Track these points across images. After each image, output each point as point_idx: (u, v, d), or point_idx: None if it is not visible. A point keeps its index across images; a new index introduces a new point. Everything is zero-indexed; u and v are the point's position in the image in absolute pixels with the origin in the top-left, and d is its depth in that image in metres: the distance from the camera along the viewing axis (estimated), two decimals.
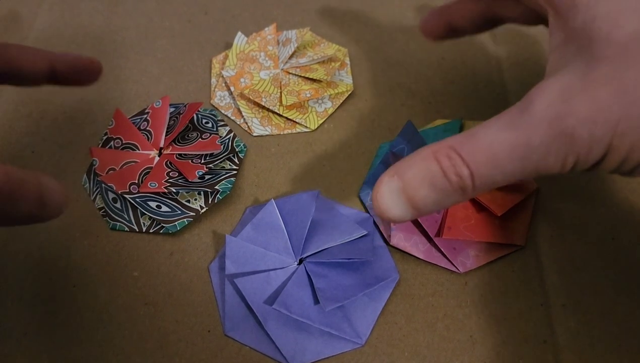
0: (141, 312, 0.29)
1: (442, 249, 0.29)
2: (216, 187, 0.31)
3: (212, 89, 0.37)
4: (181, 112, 0.34)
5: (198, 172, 0.30)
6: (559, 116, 0.18)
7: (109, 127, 0.34)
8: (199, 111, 0.35)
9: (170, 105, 0.34)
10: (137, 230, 0.31)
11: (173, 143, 0.33)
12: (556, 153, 0.18)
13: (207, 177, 0.31)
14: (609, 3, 0.19)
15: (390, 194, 0.20)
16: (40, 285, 0.30)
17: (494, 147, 0.19)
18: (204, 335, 0.28)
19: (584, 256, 0.30)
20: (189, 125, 0.34)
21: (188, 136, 0.33)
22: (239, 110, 0.36)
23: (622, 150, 0.18)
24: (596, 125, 0.18)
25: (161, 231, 0.31)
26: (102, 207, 0.32)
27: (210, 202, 0.31)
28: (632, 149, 0.18)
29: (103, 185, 0.32)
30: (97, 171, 0.31)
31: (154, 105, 0.34)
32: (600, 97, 0.18)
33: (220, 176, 0.32)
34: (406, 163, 0.20)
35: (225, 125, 0.35)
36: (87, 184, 0.33)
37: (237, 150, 0.34)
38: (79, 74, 0.28)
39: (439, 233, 0.29)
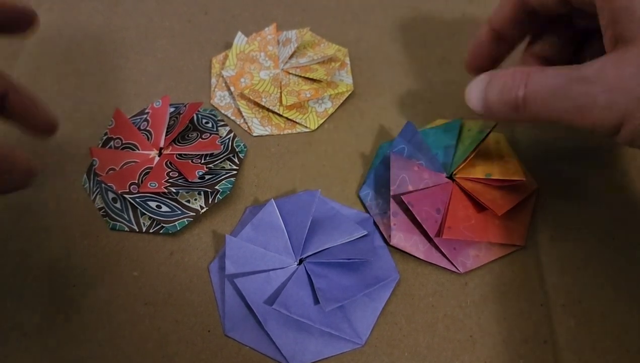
0: (141, 312, 0.29)
1: (442, 249, 0.29)
2: (216, 187, 0.31)
3: (212, 89, 0.37)
4: (181, 112, 0.34)
5: (198, 172, 0.30)
6: (590, 79, 0.21)
7: (109, 127, 0.34)
8: (199, 111, 0.35)
9: (170, 105, 0.34)
10: (137, 230, 0.31)
11: (173, 143, 0.33)
12: (583, 106, 0.22)
13: (207, 177, 0.31)
14: None
15: (477, 87, 0.26)
16: (40, 285, 0.30)
17: (547, 83, 0.22)
18: (204, 335, 0.28)
19: (584, 256, 0.30)
20: (189, 125, 0.34)
21: (188, 136, 0.33)
22: (239, 110, 0.36)
23: (635, 123, 0.21)
24: (616, 93, 0.21)
25: (161, 231, 0.31)
26: (102, 207, 0.32)
27: (210, 202, 0.31)
28: None
29: (103, 185, 0.32)
30: (97, 171, 0.31)
31: (154, 105, 0.34)
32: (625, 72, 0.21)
33: (220, 176, 0.32)
34: (497, 71, 0.25)
35: (225, 125, 0.35)
36: (87, 184, 0.33)
37: (237, 150, 0.34)
38: (11, 21, 0.27)
39: (439, 233, 0.29)
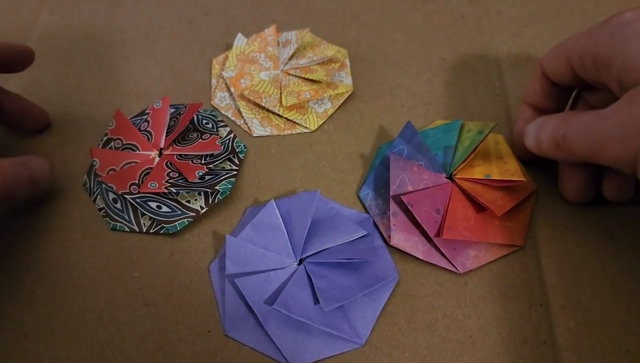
0: (141, 312, 0.29)
1: (442, 249, 0.29)
2: (216, 188, 0.31)
3: (213, 89, 0.37)
4: (181, 112, 0.34)
5: (198, 173, 0.30)
6: (607, 115, 0.24)
7: (110, 128, 0.34)
8: (199, 112, 0.35)
9: (170, 105, 0.34)
10: (137, 230, 0.31)
11: (173, 143, 0.33)
12: (602, 141, 0.24)
13: (207, 177, 0.31)
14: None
15: (534, 127, 0.28)
16: (40, 285, 0.30)
17: (581, 122, 0.25)
18: (204, 335, 0.28)
19: (584, 256, 0.30)
20: (190, 125, 0.34)
21: (188, 137, 0.33)
22: (239, 111, 0.36)
23: None
24: (629, 127, 0.22)
25: (161, 231, 0.31)
26: (103, 208, 0.32)
27: (210, 202, 0.31)
28: None
29: (103, 185, 0.32)
30: (97, 171, 0.31)
31: (155, 105, 0.34)
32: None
33: (221, 176, 0.32)
34: (552, 116, 0.28)
35: (226, 125, 0.35)
36: (88, 184, 0.33)
37: (237, 150, 0.34)
38: (10, 61, 0.31)
39: (438, 234, 0.29)
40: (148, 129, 0.33)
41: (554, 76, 0.29)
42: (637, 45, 0.23)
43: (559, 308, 0.28)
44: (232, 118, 0.36)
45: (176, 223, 0.30)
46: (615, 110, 0.23)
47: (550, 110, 0.31)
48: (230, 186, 0.31)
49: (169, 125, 0.33)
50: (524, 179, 0.29)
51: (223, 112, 0.36)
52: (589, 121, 0.24)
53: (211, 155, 0.32)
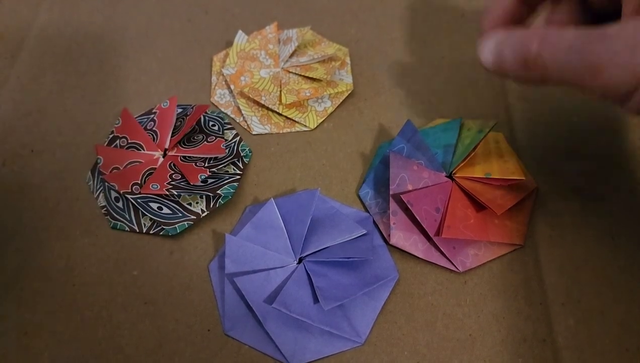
0: (141, 311, 0.29)
1: (442, 248, 0.29)
2: (218, 192, 0.31)
3: (213, 87, 0.37)
4: (188, 113, 0.34)
5: (201, 176, 0.30)
6: (609, 36, 0.20)
7: (116, 126, 0.34)
8: (206, 113, 0.35)
9: (177, 105, 0.34)
10: (138, 230, 0.31)
11: (178, 145, 0.33)
12: (597, 65, 0.20)
13: (210, 181, 0.31)
14: None
15: (492, 40, 0.24)
16: (40, 284, 0.30)
17: (561, 41, 0.21)
18: (203, 334, 0.28)
19: (583, 256, 0.30)
20: (196, 127, 0.34)
21: (194, 138, 0.33)
22: (238, 108, 0.36)
23: None
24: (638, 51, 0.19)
25: (161, 233, 0.31)
26: (104, 206, 0.32)
27: (211, 206, 0.31)
28: None
29: (106, 183, 0.32)
30: (101, 169, 0.31)
31: (162, 105, 0.34)
32: None
33: (224, 180, 0.32)
34: (515, 30, 0.24)
35: (232, 128, 0.35)
36: (91, 182, 0.33)
37: (242, 154, 0.33)
38: None
39: (438, 233, 0.29)
40: (154, 129, 0.33)
41: None
42: None
43: (559, 307, 0.28)
44: (232, 115, 0.36)
45: (176, 225, 0.30)
46: (620, 28, 0.20)
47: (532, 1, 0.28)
48: (232, 191, 0.31)
49: (174, 126, 0.33)
50: (524, 178, 0.29)
51: (223, 109, 0.36)
52: (577, 39, 0.21)
53: (215, 158, 0.32)
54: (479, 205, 0.30)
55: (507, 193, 0.30)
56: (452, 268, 0.29)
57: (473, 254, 0.30)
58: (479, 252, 0.30)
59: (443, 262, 0.29)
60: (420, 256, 0.30)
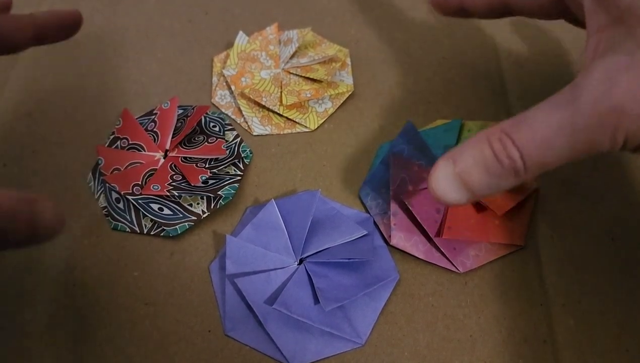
0: (141, 312, 0.29)
1: (442, 249, 0.29)
2: (219, 193, 0.31)
3: (213, 87, 0.37)
4: (189, 114, 0.34)
5: (201, 177, 0.30)
6: (606, 93, 0.18)
7: (117, 126, 0.34)
8: (207, 114, 0.35)
9: (178, 106, 0.34)
10: (138, 231, 0.31)
11: (179, 145, 0.33)
12: (605, 129, 0.19)
13: (210, 182, 0.31)
14: None
15: (446, 179, 0.21)
16: (41, 285, 0.30)
17: (543, 127, 0.19)
18: (204, 335, 0.28)
19: (584, 256, 0.30)
20: (196, 128, 0.34)
21: (194, 139, 0.33)
22: (239, 109, 0.36)
23: None
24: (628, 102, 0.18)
25: (162, 234, 0.31)
26: (105, 207, 0.32)
27: (212, 207, 0.31)
28: None
29: (107, 184, 0.32)
30: (102, 170, 0.31)
31: (162, 106, 0.34)
32: None
33: (224, 181, 0.32)
34: (460, 148, 0.21)
35: (233, 129, 0.35)
36: (92, 183, 0.33)
37: (242, 155, 0.33)
38: (61, 30, 0.29)
39: (439, 233, 0.29)
40: (155, 130, 0.33)
41: None
42: None
43: (559, 308, 0.28)
44: (232, 116, 0.36)
45: (177, 226, 0.30)
46: (592, 94, 0.18)
47: None
48: (233, 192, 0.31)
49: (175, 127, 0.33)
50: None
51: (223, 110, 0.36)
52: (561, 118, 0.19)
53: (216, 159, 0.32)
54: (479, 206, 0.30)
55: (507, 194, 0.30)
56: (453, 269, 0.29)
57: (474, 255, 0.30)
58: (480, 252, 0.30)
59: (444, 263, 0.29)
60: (420, 257, 0.30)
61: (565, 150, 0.20)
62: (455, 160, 0.21)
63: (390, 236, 0.30)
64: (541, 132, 0.19)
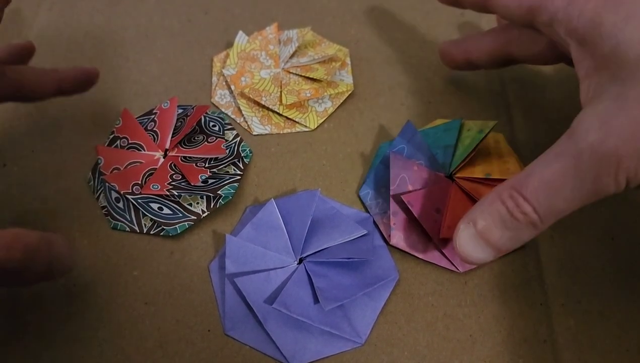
0: (141, 311, 0.29)
1: (442, 249, 0.29)
2: (218, 192, 0.31)
3: (213, 87, 0.37)
4: (189, 113, 0.34)
5: (201, 176, 0.30)
6: (600, 139, 0.19)
7: (116, 126, 0.34)
8: (206, 113, 0.35)
9: (178, 106, 0.34)
10: (138, 231, 0.31)
11: (179, 145, 0.33)
12: (606, 174, 0.20)
13: (210, 181, 0.31)
14: (633, 28, 0.20)
15: (469, 240, 0.23)
16: (40, 285, 0.30)
17: (548, 179, 0.20)
18: (204, 335, 0.28)
19: (584, 256, 0.30)
20: (196, 127, 0.34)
21: (194, 139, 0.33)
22: (239, 108, 0.36)
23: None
24: (638, 140, 0.19)
25: (161, 233, 0.31)
26: (105, 206, 0.32)
27: (212, 206, 0.31)
28: None
29: (107, 184, 0.32)
30: (101, 170, 0.31)
31: (162, 106, 0.34)
32: (638, 114, 0.19)
33: (224, 181, 0.32)
34: (477, 209, 0.23)
35: (232, 128, 0.35)
36: (92, 182, 0.33)
37: (242, 155, 0.33)
38: (81, 85, 0.32)
39: (439, 233, 0.29)
40: (154, 129, 0.33)
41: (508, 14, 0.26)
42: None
43: (559, 308, 0.28)
44: (232, 116, 0.36)
45: (177, 226, 0.30)
46: (587, 143, 0.19)
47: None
48: (232, 191, 0.31)
49: (175, 126, 0.33)
50: None
51: (223, 110, 0.36)
52: (561, 167, 0.20)
53: (216, 158, 0.32)
54: None
55: None
56: (453, 268, 0.29)
57: None
58: None
59: (443, 263, 0.29)
60: (420, 256, 0.30)
61: (574, 195, 0.20)
62: (475, 222, 0.22)
63: (390, 236, 0.30)
64: (548, 183, 0.20)
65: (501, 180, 0.29)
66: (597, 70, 0.21)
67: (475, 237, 0.22)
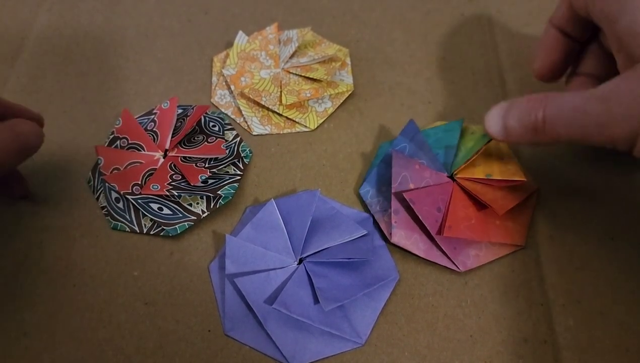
0: (141, 311, 0.29)
1: (443, 248, 0.29)
2: (218, 192, 0.31)
3: (213, 87, 0.37)
4: (188, 114, 0.34)
5: (201, 177, 0.30)
6: (606, 96, 0.23)
7: (116, 126, 0.34)
8: (206, 113, 0.35)
9: (177, 106, 0.34)
10: (138, 231, 0.31)
11: (179, 145, 0.33)
12: (628, 123, 0.22)
13: (210, 181, 0.31)
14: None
15: (496, 114, 0.27)
16: (40, 285, 0.30)
17: (565, 104, 0.24)
18: (204, 335, 0.28)
19: (584, 256, 0.30)
20: (196, 127, 0.34)
21: (194, 139, 0.33)
22: (239, 109, 0.36)
23: None
24: (630, 107, 0.22)
25: (161, 233, 0.31)
26: (105, 206, 0.32)
27: (212, 207, 0.31)
28: None
29: (107, 184, 0.32)
30: (101, 170, 0.31)
31: (162, 106, 0.34)
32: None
33: (224, 181, 0.32)
34: (516, 100, 0.26)
35: (232, 129, 0.35)
36: (92, 182, 0.33)
37: (242, 155, 0.33)
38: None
39: (439, 232, 0.29)
40: (154, 129, 0.33)
41: (576, 6, 0.28)
42: None
43: (559, 308, 0.28)
44: (232, 116, 0.36)
45: (177, 226, 0.30)
46: (613, 88, 0.23)
47: (575, 37, 0.30)
48: (232, 191, 0.31)
49: (175, 126, 0.33)
50: (525, 179, 0.29)
51: (223, 110, 0.36)
52: (578, 102, 0.23)
53: (216, 158, 0.32)
54: (480, 206, 0.30)
55: (508, 194, 0.30)
56: (453, 267, 0.29)
57: (474, 254, 0.30)
58: (480, 252, 0.30)
59: (444, 262, 0.29)
60: (421, 255, 0.30)
61: (575, 126, 0.23)
62: (506, 106, 0.27)
63: (391, 234, 0.30)
64: (562, 106, 0.24)
65: (502, 181, 0.30)
66: (619, 50, 0.25)
67: (500, 115, 0.27)
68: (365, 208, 0.32)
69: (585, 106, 0.23)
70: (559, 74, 0.31)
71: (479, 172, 0.30)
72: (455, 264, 0.29)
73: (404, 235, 0.30)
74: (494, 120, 0.27)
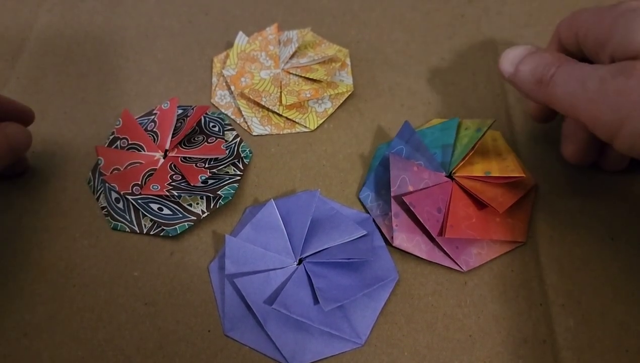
0: (141, 311, 0.29)
1: (445, 248, 0.29)
2: (218, 193, 0.31)
3: (213, 88, 0.37)
4: (188, 114, 0.34)
5: (201, 177, 0.30)
6: (604, 78, 0.23)
7: (116, 127, 0.34)
8: (206, 114, 0.35)
9: (178, 107, 0.34)
10: (138, 231, 0.31)
11: (179, 145, 0.33)
12: (592, 99, 0.23)
13: (210, 181, 0.31)
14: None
15: (516, 56, 0.27)
16: (40, 285, 0.30)
17: (575, 71, 0.24)
18: (203, 335, 0.28)
19: (584, 256, 0.30)
20: (196, 128, 0.34)
21: (194, 139, 0.33)
22: (239, 109, 0.36)
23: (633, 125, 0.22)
24: (622, 95, 0.22)
25: (161, 234, 0.31)
26: (105, 207, 0.32)
27: (212, 207, 0.31)
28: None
29: (107, 184, 0.32)
30: (101, 170, 0.31)
31: (162, 106, 0.34)
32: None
33: (224, 181, 0.32)
34: (540, 50, 0.27)
35: (232, 129, 0.35)
36: (92, 183, 0.33)
37: (242, 155, 0.33)
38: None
39: (441, 233, 0.29)
40: (154, 130, 0.33)
41: (565, 44, 0.29)
42: (637, 25, 0.23)
43: (559, 308, 0.28)
44: (232, 116, 0.36)
45: (176, 226, 0.30)
46: (612, 74, 0.23)
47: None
48: (232, 191, 0.31)
49: (175, 127, 0.33)
50: (524, 175, 0.29)
51: (223, 110, 0.36)
52: (586, 75, 0.24)
53: (216, 159, 0.32)
54: (480, 204, 0.30)
55: (507, 191, 0.30)
56: (456, 267, 0.29)
57: (476, 253, 0.30)
58: (482, 250, 0.30)
59: (447, 262, 0.29)
60: (423, 257, 0.30)
61: (573, 95, 0.24)
62: (527, 50, 0.27)
63: (392, 237, 0.30)
64: (571, 71, 0.24)
65: (501, 178, 0.30)
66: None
67: (517, 56, 0.27)
68: (366, 210, 0.32)
69: (587, 79, 0.24)
70: (552, 116, 0.32)
71: (477, 170, 0.30)
72: (458, 264, 0.29)
73: (405, 238, 0.30)
74: (510, 60, 0.27)
